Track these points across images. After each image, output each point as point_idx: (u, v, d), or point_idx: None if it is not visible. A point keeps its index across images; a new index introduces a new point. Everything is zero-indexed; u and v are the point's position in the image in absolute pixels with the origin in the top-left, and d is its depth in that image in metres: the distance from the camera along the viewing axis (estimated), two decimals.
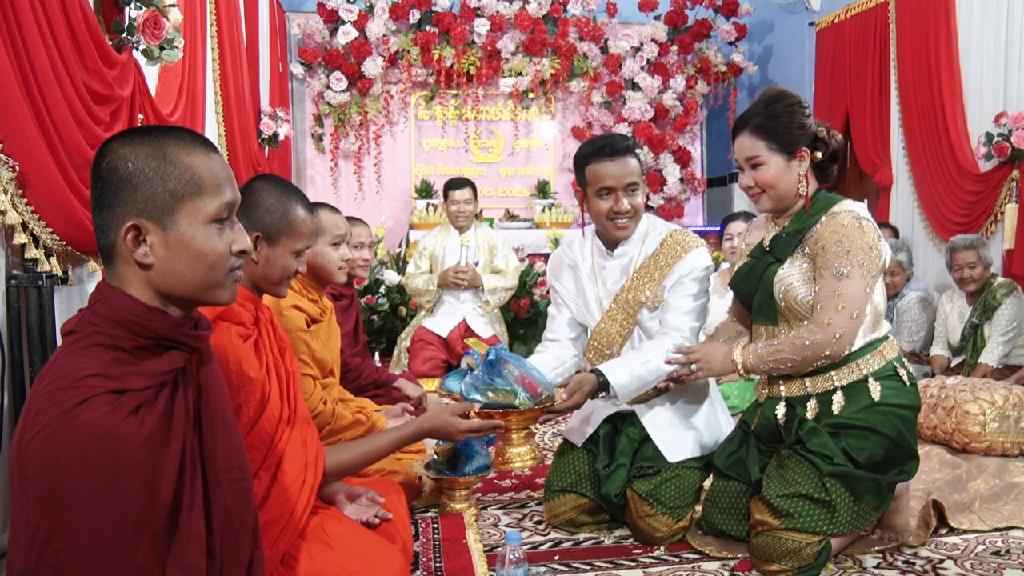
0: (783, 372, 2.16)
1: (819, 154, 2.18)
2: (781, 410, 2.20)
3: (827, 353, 2.07)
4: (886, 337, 2.19)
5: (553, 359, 2.53)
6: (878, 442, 2.07)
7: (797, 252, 2.16)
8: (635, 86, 6.73)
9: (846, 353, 2.10)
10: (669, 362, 2.26)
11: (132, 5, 2.60)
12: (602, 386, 2.29)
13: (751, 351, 2.17)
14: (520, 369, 2.22)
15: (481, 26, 6.49)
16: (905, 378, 2.15)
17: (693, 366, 2.25)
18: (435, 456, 2.49)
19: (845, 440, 2.08)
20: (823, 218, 2.13)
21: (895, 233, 5.04)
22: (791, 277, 2.14)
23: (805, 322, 2.12)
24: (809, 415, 2.14)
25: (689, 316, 2.39)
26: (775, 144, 2.16)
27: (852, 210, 2.11)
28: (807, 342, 2.07)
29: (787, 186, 2.17)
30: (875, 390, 2.10)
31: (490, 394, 2.16)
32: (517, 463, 2.29)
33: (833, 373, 2.13)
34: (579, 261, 2.55)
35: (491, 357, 2.22)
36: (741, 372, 2.19)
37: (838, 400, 2.12)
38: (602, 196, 2.39)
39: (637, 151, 2.41)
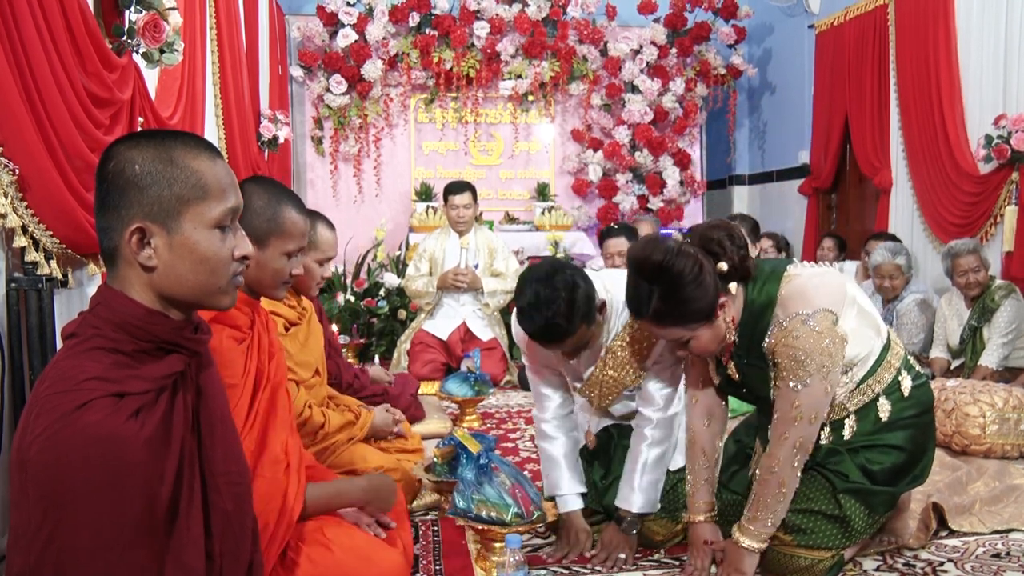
0: (787, 498, 1.99)
1: (733, 285, 1.96)
2: None
3: (796, 463, 1.96)
4: (889, 344, 2.11)
5: (573, 442, 2.41)
6: (897, 455, 2.05)
7: (768, 369, 2.03)
8: (635, 89, 6.74)
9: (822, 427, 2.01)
10: None
11: (132, 8, 2.60)
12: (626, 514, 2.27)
13: (748, 528, 2.00)
14: (511, 479, 2.10)
15: (481, 29, 6.49)
16: (905, 388, 2.08)
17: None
18: (435, 459, 2.49)
19: (864, 455, 2.04)
20: (771, 332, 1.96)
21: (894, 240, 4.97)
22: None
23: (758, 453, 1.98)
24: (823, 441, 2.09)
25: (663, 384, 2.27)
26: (693, 323, 1.92)
27: (797, 313, 1.92)
28: (775, 470, 1.96)
29: (720, 339, 1.99)
30: (884, 409, 2.06)
31: (481, 507, 2.04)
32: (496, 572, 2.26)
33: (847, 401, 2.07)
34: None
35: (482, 461, 2.09)
36: (760, 547, 2.00)
37: (850, 424, 2.08)
38: None
39: (577, 317, 2.04)
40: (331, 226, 2.68)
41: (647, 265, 1.89)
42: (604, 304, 2.19)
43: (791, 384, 1.93)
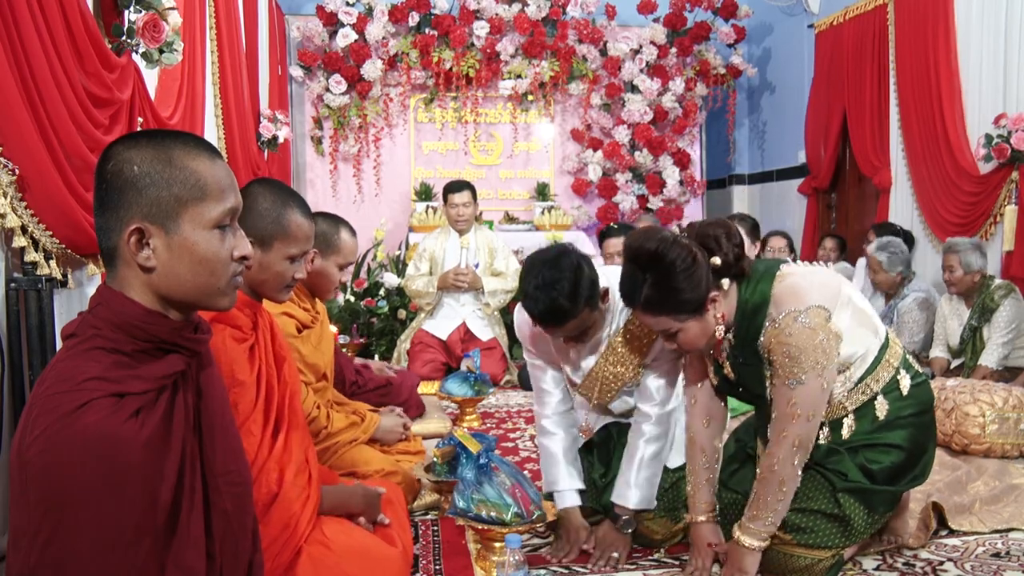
0: (788, 496, 1.98)
1: (726, 281, 1.96)
2: None
3: (796, 461, 1.96)
4: (887, 343, 2.11)
5: (572, 439, 2.43)
6: (897, 455, 2.04)
7: (764, 367, 2.02)
8: (634, 88, 6.73)
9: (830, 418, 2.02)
10: None
11: (132, 8, 2.60)
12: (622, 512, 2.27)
13: (748, 527, 2.00)
14: (512, 479, 2.10)
15: (480, 29, 6.49)
16: (904, 387, 2.08)
17: None
18: (435, 459, 2.49)
19: (864, 454, 2.03)
20: (765, 329, 1.97)
21: (907, 237, 4.92)
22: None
23: (760, 454, 1.99)
24: (822, 441, 2.09)
25: (662, 380, 2.27)
26: (682, 314, 1.93)
27: (790, 310, 1.92)
28: (775, 468, 1.96)
29: (709, 335, 1.99)
30: (881, 408, 2.05)
31: (481, 507, 2.04)
32: (496, 572, 2.26)
33: (845, 400, 2.06)
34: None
35: (482, 461, 2.09)
36: (761, 545, 2.00)
37: (849, 423, 2.07)
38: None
39: (581, 299, 2.07)
40: (353, 232, 2.71)
41: (641, 253, 1.92)
42: (607, 291, 2.21)
43: (787, 382, 1.93)
